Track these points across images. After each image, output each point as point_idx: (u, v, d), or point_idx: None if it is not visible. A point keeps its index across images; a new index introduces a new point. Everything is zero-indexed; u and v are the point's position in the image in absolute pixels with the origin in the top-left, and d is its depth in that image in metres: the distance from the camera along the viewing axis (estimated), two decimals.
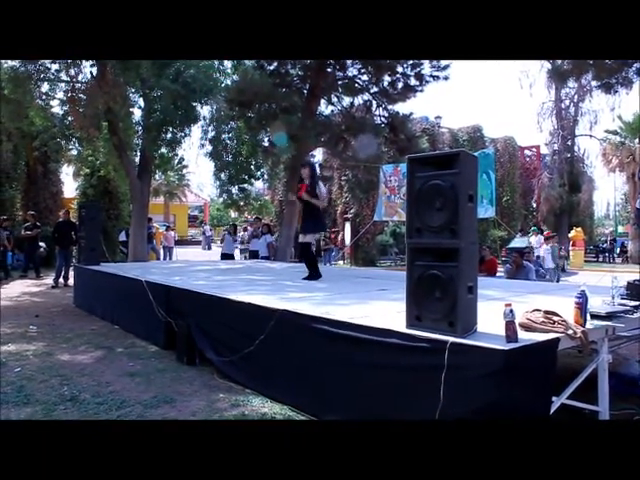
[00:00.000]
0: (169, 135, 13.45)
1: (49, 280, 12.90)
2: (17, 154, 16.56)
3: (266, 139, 13.69)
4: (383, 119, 12.98)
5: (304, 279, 6.63)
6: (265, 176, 16.48)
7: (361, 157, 12.65)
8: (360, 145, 12.13)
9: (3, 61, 11.17)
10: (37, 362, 5.26)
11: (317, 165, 10.12)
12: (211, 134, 14.63)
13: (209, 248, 32.03)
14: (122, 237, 15.18)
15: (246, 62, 13.62)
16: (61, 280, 12.19)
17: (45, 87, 12.55)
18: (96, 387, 4.47)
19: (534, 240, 16.56)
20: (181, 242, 32.15)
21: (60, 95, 12.87)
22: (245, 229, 17.99)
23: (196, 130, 17.07)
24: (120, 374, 4.88)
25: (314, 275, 6.67)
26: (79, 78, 11.95)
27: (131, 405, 4.01)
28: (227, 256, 13.55)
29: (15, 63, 11.09)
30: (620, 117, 25.65)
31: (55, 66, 11.66)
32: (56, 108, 13.75)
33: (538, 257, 13.18)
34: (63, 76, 11.93)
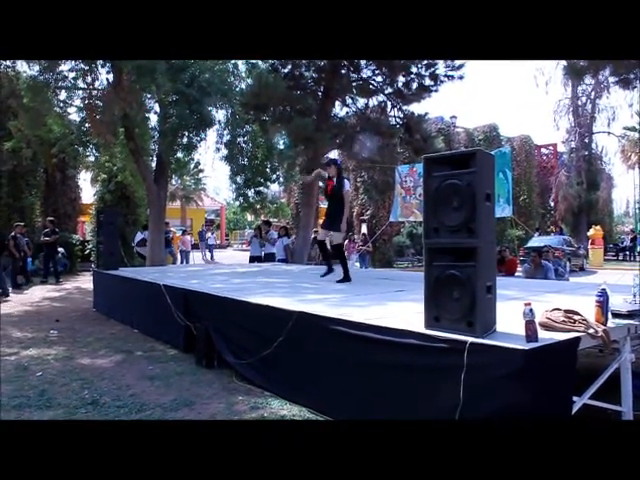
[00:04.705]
0: (185, 139, 13.50)
1: (69, 285, 13.10)
2: (36, 161, 16.74)
3: (281, 142, 13.69)
4: (398, 120, 12.93)
5: (338, 282, 6.43)
6: (281, 179, 16.48)
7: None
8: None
9: (22, 70, 11.33)
10: (58, 366, 5.32)
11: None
12: (226, 138, 14.65)
13: (211, 255, 27.40)
14: (138, 237, 14.74)
15: (260, 65, 13.67)
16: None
17: (63, 95, 12.68)
18: (116, 390, 4.51)
19: None
20: (198, 246, 32.00)
21: (77, 102, 13.01)
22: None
23: (211, 134, 17.11)
24: (140, 377, 4.92)
25: (347, 278, 6.48)
26: (96, 85, 12.07)
27: (151, 408, 4.04)
28: (256, 259, 12.93)
29: (34, 72, 11.26)
30: (638, 113, 25.36)
31: (72, 74, 11.79)
32: (73, 115, 13.90)
33: None
34: (80, 83, 12.05)
